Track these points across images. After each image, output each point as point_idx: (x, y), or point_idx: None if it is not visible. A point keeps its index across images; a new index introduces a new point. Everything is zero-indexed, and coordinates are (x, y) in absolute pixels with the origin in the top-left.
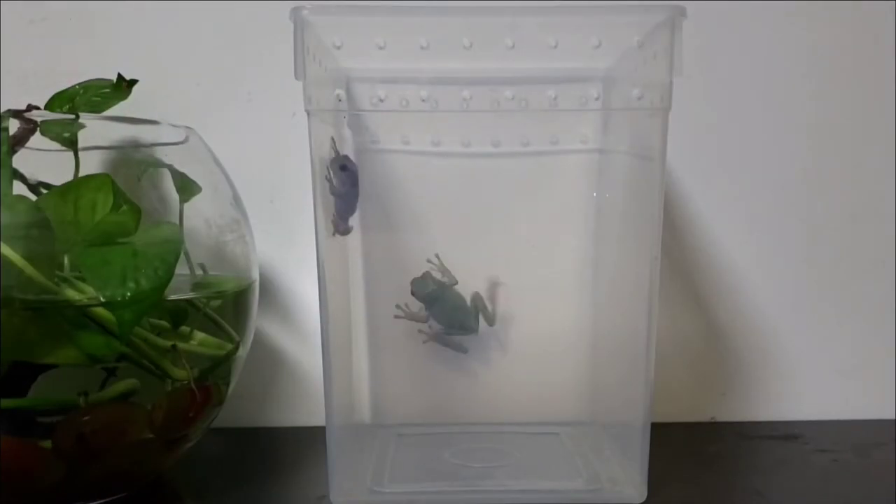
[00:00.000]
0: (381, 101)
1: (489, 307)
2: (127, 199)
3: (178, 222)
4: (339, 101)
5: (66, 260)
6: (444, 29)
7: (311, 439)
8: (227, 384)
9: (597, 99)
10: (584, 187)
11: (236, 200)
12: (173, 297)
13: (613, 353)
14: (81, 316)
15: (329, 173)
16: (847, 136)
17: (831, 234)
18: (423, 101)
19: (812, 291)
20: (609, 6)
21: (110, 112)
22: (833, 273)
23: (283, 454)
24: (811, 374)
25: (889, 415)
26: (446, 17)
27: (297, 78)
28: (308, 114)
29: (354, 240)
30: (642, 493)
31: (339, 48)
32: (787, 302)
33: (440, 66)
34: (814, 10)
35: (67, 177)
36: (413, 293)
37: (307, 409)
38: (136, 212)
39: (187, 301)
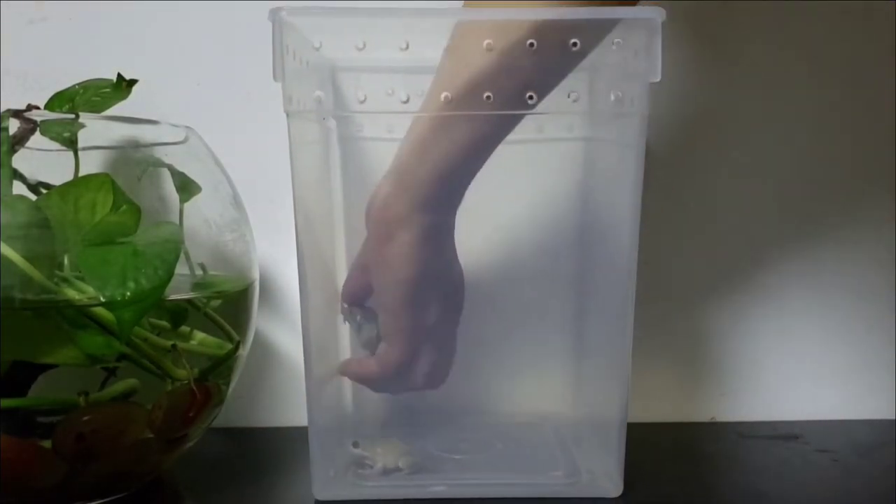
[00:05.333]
0: (362, 102)
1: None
2: (127, 198)
3: (177, 222)
4: (320, 102)
5: (66, 260)
6: (424, 30)
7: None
8: (227, 384)
9: (575, 101)
10: (570, 176)
11: (236, 200)
12: (173, 296)
13: (596, 347)
14: (81, 316)
15: None
16: (848, 135)
17: (831, 233)
18: (403, 102)
19: (812, 291)
20: (590, 9)
21: (110, 112)
22: (833, 273)
23: (282, 454)
24: (811, 374)
25: (889, 415)
26: (425, 19)
27: (275, 79)
28: (287, 115)
29: (339, 231)
30: (618, 487)
31: (318, 49)
32: (786, 302)
33: (420, 67)
34: (815, 10)
35: (67, 176)
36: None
37: (303, 409)
38: (136, 211)
39: (187, 301)
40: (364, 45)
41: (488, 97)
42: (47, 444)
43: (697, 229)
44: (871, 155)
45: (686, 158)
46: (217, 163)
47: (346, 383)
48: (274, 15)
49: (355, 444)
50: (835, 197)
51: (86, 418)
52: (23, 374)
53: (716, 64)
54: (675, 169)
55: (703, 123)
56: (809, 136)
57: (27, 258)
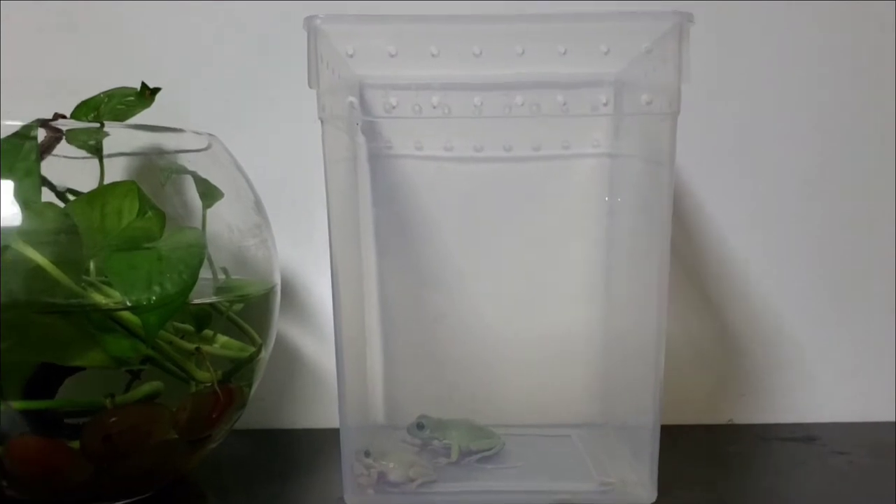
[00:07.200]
0: (394, 107)
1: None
2: (152, 204)
3: (201, 227)
4: (353, 108)
5: (92, 265)
6: (454, 37)
7: (334, 441)
8: (250, 386)
9: (605, 104)
10: (595, 191)
11: (258, 205)
12: (197, 300)
13: (625, 356)
14: (108, 319)
15: None
16: (861, 138)
17: (846, 236)
18: (434, 107)
19: (828, 294)
20: (617, 13)
21: (134, 119)
22: (849, 275)
23: (304, 455)
24: (829, 377)
25: None
26: (456, 26)
27: (310, 86)
28: (321, 121)
29: (368, 243)
30: (652, 494)
31: (351, 56)
32: (803, 304)
33: (451, 73)
34: (824, 12)
35: (93, 182)
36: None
37: (327, 411)
38: (161, 217)
39: (211, 305)
40: (396, 53)
41: None
42: (75, 444)
43: (711, 231)
44: (872, 155)
45: (695, 159)
46: (239, 169)
47: (377, 390)
48: (309, 23)
49: (366, 454)
50: (847, 198)
51: (112, 419)
52: (51, 377)
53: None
54: (685, 170)
55: (703, 123)
56: (810, 136)
57: (55, 263)
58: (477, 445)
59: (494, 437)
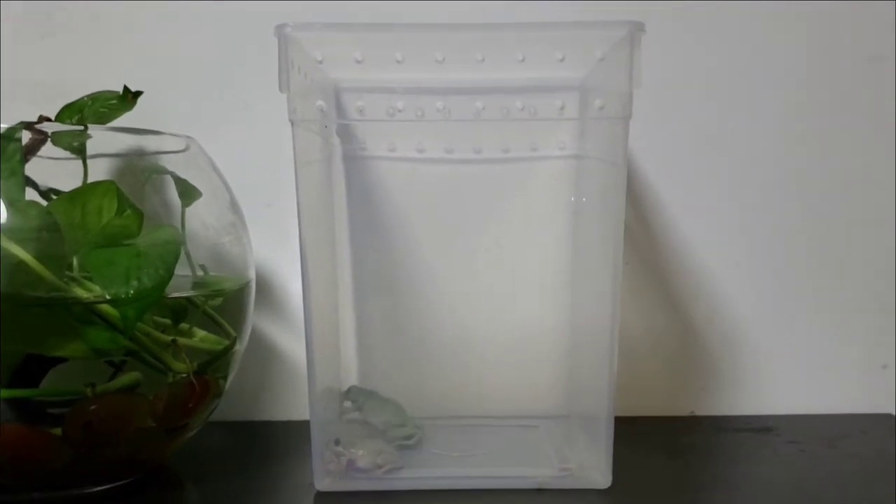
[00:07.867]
0: (364, 110)
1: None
2: (130, 203)
3: (179, 225)
4: (322, 112)
5: (74, 261)
6: (417, 44)
7: (307, 432)
8: (225, 378)
9: (562, 108)
10: (562, 192)
11: (233, 204)
12: (174, 295)
13: (586, 351)
14: (88, 312)
15: None
16: (817, 140)
17: (801, 238)
18: (399, 111)
19: (784, 294)
20: (571, 23)
21: (116, 122)
22: (803, 277)
23: (279, 445)
24: (785, 371)
25: (855, 409)
26: (417, 34)
27: (281, 91)
28: (292, 123)
29: (343, 241)
30: (607, 479)
31: (320, 62)
32: (761, 303)
33: (419, 78)
34: (797, 13)
35: (76, 183)
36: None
37: (301, 404)
38: (139, 216)
39: (187, 299)
40: (362, 59)
41: None
42: (57, 431)
43: (675, 232)
44: (840, 157)
45: (667, 160)
46: (216, 169)
47: (351, 382)
48: (279, 31)
49: (337, 442)
50: (804, 200)
51: (93, 407)
52: (35, 367)
53: (707, 64)
54: (650, 172)
55: (688, 122)
56: (806, 134)
57: (39, 259)
58: (394, 433)
59: (415, 428)
